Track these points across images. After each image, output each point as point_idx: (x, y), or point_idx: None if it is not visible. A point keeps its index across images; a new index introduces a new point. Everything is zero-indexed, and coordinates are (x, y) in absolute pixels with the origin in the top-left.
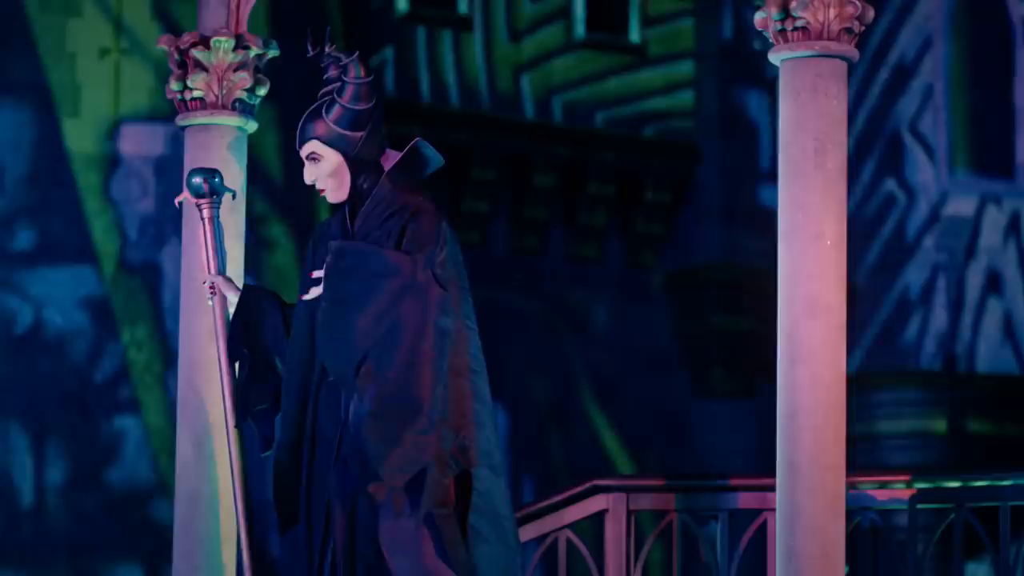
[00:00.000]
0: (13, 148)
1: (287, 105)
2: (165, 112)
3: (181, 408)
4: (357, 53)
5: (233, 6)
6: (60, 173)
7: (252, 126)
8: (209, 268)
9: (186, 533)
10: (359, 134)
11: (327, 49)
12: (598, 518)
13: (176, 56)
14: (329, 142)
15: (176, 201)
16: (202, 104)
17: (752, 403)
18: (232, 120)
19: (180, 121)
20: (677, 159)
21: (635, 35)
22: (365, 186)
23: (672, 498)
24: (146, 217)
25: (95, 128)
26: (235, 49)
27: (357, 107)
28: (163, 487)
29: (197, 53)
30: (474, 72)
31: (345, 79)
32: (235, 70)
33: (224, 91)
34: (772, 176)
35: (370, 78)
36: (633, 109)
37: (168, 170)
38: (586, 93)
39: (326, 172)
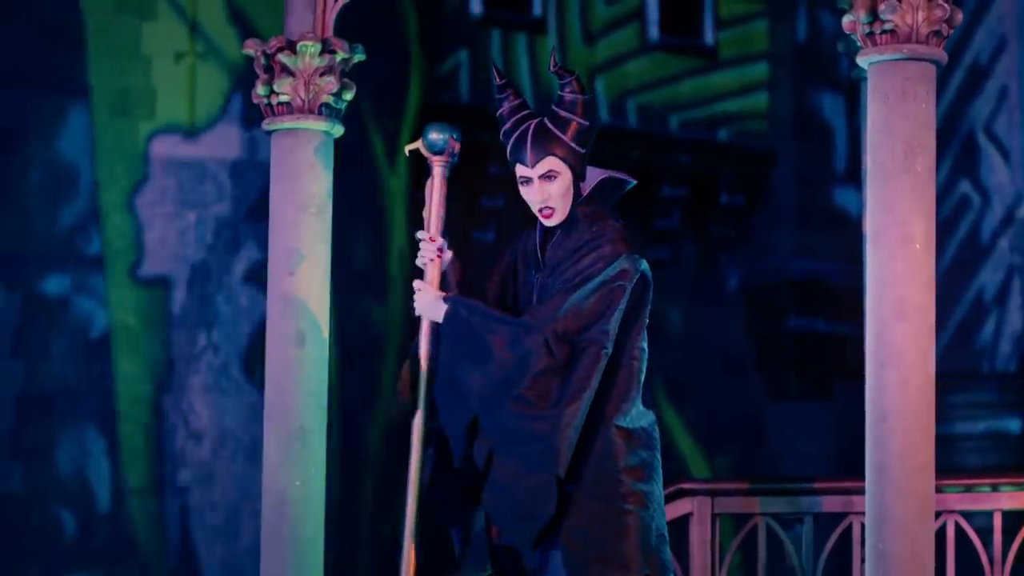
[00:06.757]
0: (88, 152)
1: (352, 106)
2: (240, 116)
3: (268, 411)
4: (576, 71)
5: (319, 11)
6: (135, 176)
7: (339, 130)
8: (432, 228)
9: (273, 536)
10: (585, 151)
11: (553, 67)
12: (682, 521)
13: (262, 60)
14: (565, 159)
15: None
16: (288, 108)
17: (828, 405)
18: (319, 124)
19: (267, 126)
20: (751, 161)
21: (709, 37)
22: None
23: (756, 501)
24: (221, 220)
25: (170, 131)
26: (321, 53)
27: (585, 122)
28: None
29: (284, 58)
30: (548, 75)
31: (577, 95)
32: (321, 75)
33: (310, 96)
34: (847, 178)
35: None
36: (707, 112)
37: (243, 174)
38: (660, 96)
39: (560, 191)
